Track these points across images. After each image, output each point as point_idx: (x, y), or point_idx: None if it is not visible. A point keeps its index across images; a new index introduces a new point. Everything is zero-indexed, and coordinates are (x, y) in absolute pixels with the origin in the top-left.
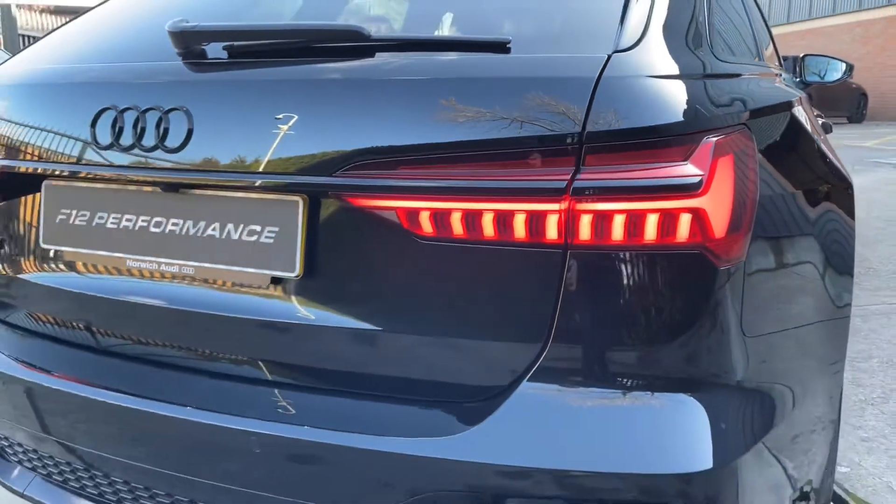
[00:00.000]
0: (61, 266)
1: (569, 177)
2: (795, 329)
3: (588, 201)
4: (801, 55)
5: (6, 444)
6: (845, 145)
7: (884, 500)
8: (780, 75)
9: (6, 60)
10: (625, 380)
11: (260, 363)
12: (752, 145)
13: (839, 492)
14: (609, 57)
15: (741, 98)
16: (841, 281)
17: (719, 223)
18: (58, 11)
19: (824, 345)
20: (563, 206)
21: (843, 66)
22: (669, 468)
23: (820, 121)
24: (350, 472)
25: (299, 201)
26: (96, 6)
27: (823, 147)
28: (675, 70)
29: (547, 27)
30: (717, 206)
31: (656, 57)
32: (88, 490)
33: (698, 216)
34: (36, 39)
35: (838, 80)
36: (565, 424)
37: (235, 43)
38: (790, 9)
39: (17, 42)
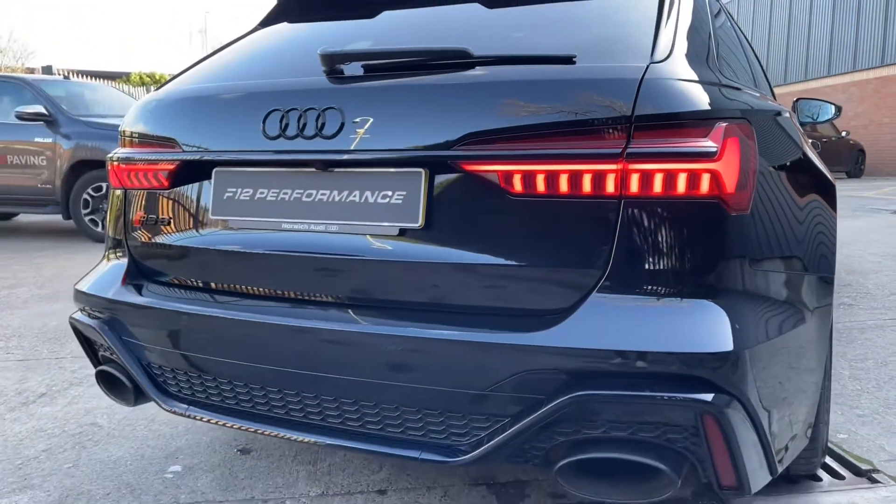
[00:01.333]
0: (228, 231)
1: (623, 146)
2: (788, 271)
3: (636, 163)
4: (795, 99)
5: (171, 373)
6: (846, 195)
7: (876, 456)
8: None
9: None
10: (666, 289)
11: (391, 290)
12: (752, 133)
13: (838, 451)
14: (648, 66)
15: (743, 101)
16: (825, 246)
17: (730, 182)
18: (85, 75)
19: (812, 289)
20: (619, 167)
21: (833, 107)
22: (703, 348)
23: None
24: (469, 361)
25: (422, 172)
26: (229, 44)
27: (808, 149)
28: (694, 77)
29: (602, 47)
30: (728, 170)
31: (681, 68)
32: (260, 405)
33: (715, 176)
34: None
35: (829, 119)
36: (625, 321)
37: (372, 62)
38: (787, 70)
39: None
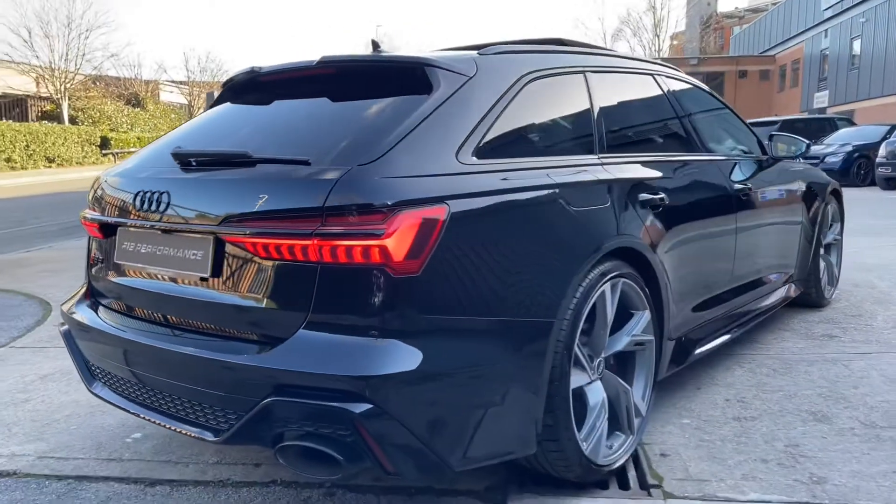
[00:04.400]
0: (123, 272)
1: (315, 227)
2: (467, 316)
3: (327, 240)
4: (770, 134)
5: (95, 368)
6: None
7: (673, 475)
8: (594, 165)
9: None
10: (347, 328)
11: (190, 319)
12: (442, 213)
13: (644, 466)
14: (351, 168)
15: (449, 187)
16: (524, 296)
17: (399, 254)
18: None
19: (501, 331)
20: (315, 242)
21: (804, 143)
22: (368, 371)
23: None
24: (210, 371)
25: (210, 238)
26: (154, 141)
27: (542, 216)
28: (392, 174)
29: (339, 150)
30: (398, 245)
31: (382, 168)
32: (132, 392)
33: (383, 250)
34: None
35: (803, 153)
36: (315, 349)
37: (198, 158)
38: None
39: None
